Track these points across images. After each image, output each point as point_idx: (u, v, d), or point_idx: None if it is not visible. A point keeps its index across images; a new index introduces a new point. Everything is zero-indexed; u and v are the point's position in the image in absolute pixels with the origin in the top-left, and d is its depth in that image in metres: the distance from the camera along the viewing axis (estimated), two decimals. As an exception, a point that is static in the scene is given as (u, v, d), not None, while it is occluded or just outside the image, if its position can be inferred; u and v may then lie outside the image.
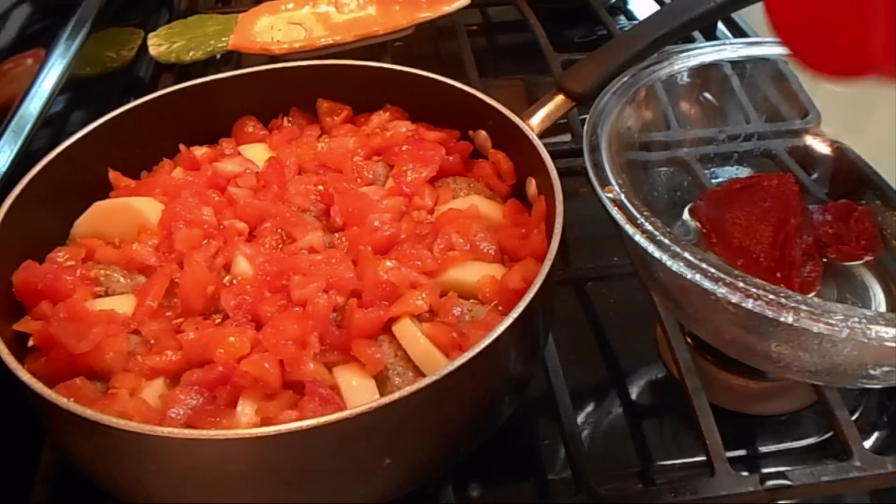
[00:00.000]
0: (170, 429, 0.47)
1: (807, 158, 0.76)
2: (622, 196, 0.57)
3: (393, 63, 0.84)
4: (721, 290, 0.49)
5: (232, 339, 0.54)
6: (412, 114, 0.76)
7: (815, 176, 0.75)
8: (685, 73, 0.73)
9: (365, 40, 0.98)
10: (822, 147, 0.76)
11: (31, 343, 0.56)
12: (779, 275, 0.65)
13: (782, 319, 0.47)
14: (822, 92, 0.75)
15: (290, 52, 0.95)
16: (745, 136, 0.76)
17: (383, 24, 1.00)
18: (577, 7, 1.16)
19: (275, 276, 0.59)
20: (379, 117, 0.75)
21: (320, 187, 0.69)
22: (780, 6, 0.40)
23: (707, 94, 0.75)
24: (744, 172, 0.75)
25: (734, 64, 0.74)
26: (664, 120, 0.74)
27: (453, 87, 0.73)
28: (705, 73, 0.74)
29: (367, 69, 0.76)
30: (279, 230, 0.64)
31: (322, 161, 0.72)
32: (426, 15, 1.01)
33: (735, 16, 1.09)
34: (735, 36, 1.08)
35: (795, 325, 0.47)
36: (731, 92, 0.75)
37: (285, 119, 0.77)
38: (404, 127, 0.74)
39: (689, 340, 0.68)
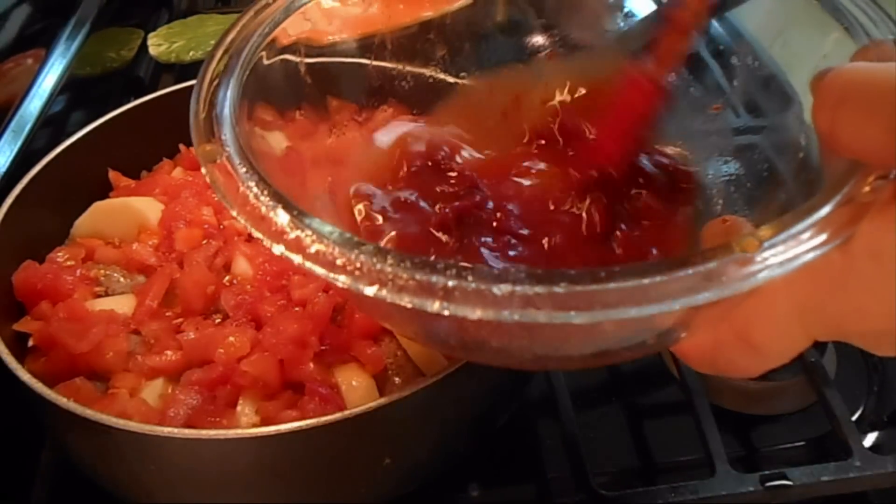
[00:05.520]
0: (170, 429, 0.47)
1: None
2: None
3: (393, 63, 0.84)
4: (343, 279, 0.30)
5: (232, 339, 0.54)
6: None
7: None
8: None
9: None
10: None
11: (31, 343, 0.56)
12: None
13: (429, 310, 0.29)
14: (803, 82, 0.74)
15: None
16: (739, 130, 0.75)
17: (387, 22, 1.00)
18: (577, 7, 1.16)
19: (275, 276, 0.59)
20: (382, 114, 0.75)
21: (320, 187, 0.69)
22: None
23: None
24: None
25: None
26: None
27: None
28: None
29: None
30: (279, 230, 0.64)
31: (322, 161, 0.72)
32: (429, 14, 1.01)
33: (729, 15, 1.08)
34: (730, 35, 1.07)
35: (447, 313, 0.29)
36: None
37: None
38: (404, 127, 0.73)
39: (689, 340, 0.68)
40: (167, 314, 0.59)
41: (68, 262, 0.62)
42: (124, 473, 0.52)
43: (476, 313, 0.28)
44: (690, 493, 0.56)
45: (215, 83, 0.39)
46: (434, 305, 0.28)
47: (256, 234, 0.32)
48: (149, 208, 0.65)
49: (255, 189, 0.33)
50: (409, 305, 0.29)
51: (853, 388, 0.68)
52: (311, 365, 0.53)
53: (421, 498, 0.56)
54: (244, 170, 0.34)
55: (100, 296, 0.60)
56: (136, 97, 0.73)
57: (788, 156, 0.41)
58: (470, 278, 0.28)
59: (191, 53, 1.03)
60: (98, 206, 0.67)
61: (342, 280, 0.29)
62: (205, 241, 0.63)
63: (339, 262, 0.30)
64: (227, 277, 0.61)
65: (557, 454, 0.60)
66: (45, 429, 0.59)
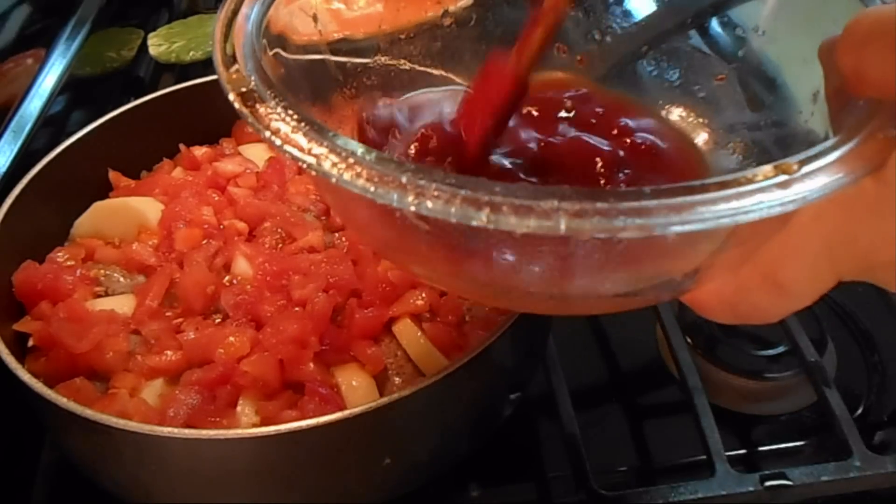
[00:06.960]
0: (170, 429, 0.47)
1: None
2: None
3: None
4: (383, 192, 0.29)
5: (232, 339, 0.54)
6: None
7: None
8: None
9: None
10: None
11: (31, 343, 0.56)
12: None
13: (475, 223, 0.28)
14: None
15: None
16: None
17: (390, 21, 1.00)
18: (576, 7, 1.16)
19: (275, 276, 0.59)
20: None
21: (320, 187, 0.69)
22: None
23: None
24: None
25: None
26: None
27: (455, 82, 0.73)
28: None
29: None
30: (279, 230, 0.64)
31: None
32: (431, 14, 1.01)
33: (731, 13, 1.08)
34: (730, 33, 1.07)
35: (492, 227, 0.28)
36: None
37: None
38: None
39: (689, 340, 0.68)
40: (167, 314, 0.59)
41: (68, 262, 0.62)
42: (124, 473, 0.52)
43: (523, 225, 0.27)
44: (690, 493, 0.56)
45: (231, 26, 0.38)
46: (481, 218, 0.28)
47: (293, 155, 0.31)
48: (149, 208, 0.66)
49: (285, 112, 0.32)
50: (455, 220, 0.28)
51: (853, 388, 0.68)
52: (311, 365, 0.53)
53: (421, 498, 0.56)
54: (271, 95, 0.33)
55: (100, 296, 0.60)
56: (136, 97, 0.73)
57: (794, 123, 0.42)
58: (518, 193, 0.28)
59: (191, 53, 1.03)
60: (98, 206, 0.67)
61: (384, 195, 0.28)
62: (205, 241, 0.63)
63: (382, 178, 0.29)
64: (227, 277, 0.61)
65: (557, 454, 0.60)
66: (45, 429, 0.59)
